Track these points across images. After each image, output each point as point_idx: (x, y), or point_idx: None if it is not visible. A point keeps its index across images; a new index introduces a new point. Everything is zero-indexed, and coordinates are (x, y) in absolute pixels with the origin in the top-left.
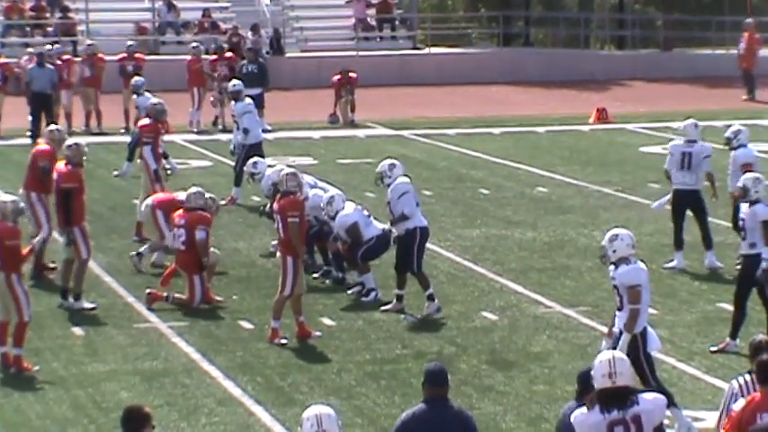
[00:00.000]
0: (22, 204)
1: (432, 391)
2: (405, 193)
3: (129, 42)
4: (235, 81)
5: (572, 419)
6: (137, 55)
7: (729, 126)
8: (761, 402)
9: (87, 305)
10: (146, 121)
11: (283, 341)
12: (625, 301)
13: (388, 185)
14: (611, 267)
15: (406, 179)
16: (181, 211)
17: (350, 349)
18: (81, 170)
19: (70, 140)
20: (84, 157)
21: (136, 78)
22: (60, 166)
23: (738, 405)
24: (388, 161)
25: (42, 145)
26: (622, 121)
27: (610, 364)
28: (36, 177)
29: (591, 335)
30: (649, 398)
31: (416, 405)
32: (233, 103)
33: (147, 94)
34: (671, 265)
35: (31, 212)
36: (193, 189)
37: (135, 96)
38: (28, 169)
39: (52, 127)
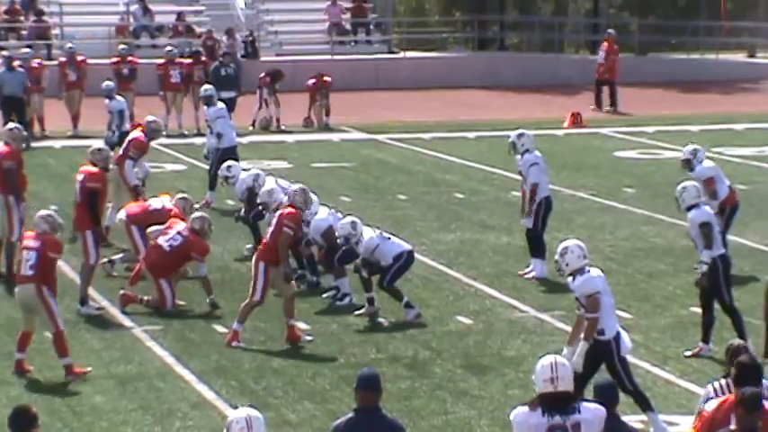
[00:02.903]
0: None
1: (363, 397)
2: (376, 247)
3: (122, 45)
4: (207, 86)
5: (512, 417)
6: (130, 58)
7: (704, 130)
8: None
9: (93, 311)
10: (138, 134)
11: (242, 345)
12: (586, 310)
13: (356, 243)
14: (569, 279)
15: (370, 231)
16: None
17: (324, 353)
18: (106, 175)
19: (95, 145)
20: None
21: (106, 83)
22: (86, 167)
23: (711, 405)
24: (348, 221)
25: (2, 146)
26: (597, 126)
27: (552, 368)
28: (4, 180)
29: (565, 339)
30: (591, 407)
31: (347, 414)
32: (205, 107)
33: (118, 97)
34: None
35: (6, 215)
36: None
37: (107, 101)
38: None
39: (11, 125)
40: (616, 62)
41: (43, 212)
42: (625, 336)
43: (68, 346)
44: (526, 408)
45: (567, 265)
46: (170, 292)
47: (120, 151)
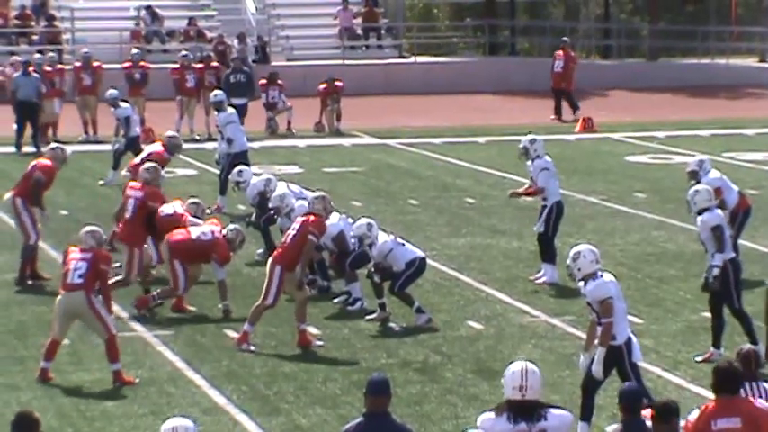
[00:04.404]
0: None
1: (372, 402)
2: (389, 251)
3: (134, 50)
4: (217, 91)
5: (478, 422)
6: (141, 63)
7: (714, 135)
8: (715, 410)
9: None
10: (159, 149)
11: (251, 348)
12: (599, 316)
13: (370, 246)
14: (581, 284)
15: (385, 236)
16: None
17: (335, 358)
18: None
19: (149, 164)
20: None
21: (110, 91)
22: (139, 184)
23: (693, 415)
24: (364, 222)
25: (45, 160)
26: (608, 131)
27: (522, 376)
28: (28, 187)
29: (576, 344)
30: (557, 414)
31: (357, 419)
32: (215, 113)
33: (122, 104)
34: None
35: (16, 217)
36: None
37: (112, 109)
38: (23, 177)
39: (54, 145)
40: (574, 71)
41: (88, 228)
42: (636, 344)
43: (119, 351)
44: (492, 414)
45: (579, 269)
46: (183, 275)
47: (138, 160)
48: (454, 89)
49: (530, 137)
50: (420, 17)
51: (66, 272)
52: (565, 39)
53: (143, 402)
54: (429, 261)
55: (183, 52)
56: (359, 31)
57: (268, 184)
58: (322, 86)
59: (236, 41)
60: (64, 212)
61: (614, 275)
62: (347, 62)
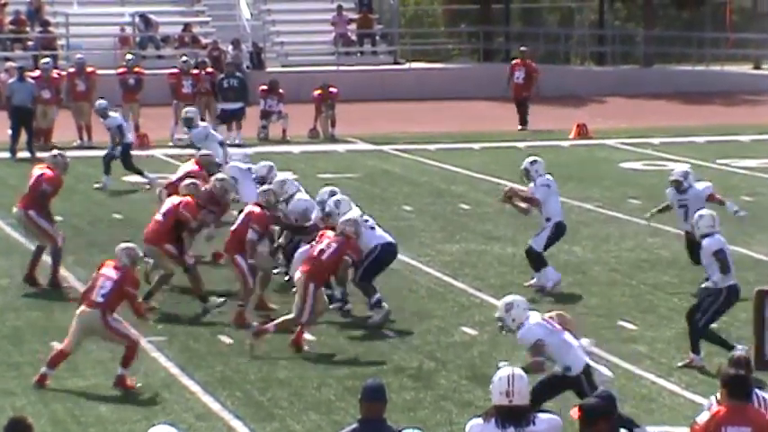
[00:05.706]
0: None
1: (368, 408)
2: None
3: (129, 56)
4: (187, 108)
5: (467, 429)
6: (136, 69)
7: (711, 141)
8: (726, 416)
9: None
10: (193, 167)
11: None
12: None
13: (329, 215)
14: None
15: (357, 211)
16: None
17: (330, 364)
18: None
19: (219, 175)
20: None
21: (99, 101)
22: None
23: (702, 418)
24: (327, 189)
25: (49, 170)
26: (602, 137)
27: (508, 382)
28: (36, 198)
29: None
30: (545, 418)
31: (351, 425)
32: (186, 129)
33: (112, 113)
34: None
35: (33, 227)
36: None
37: (102, 120)
38: (30, 189)
39: (54, 152)
40: (535, 80)
41: (124, 245)
42: (603, 369)
43: (134, 360)
44: (480, 420)
45: (513, 320)
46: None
47: (174, 179)
48: (449, 95)
49: (530, 159)
50: (414, 23)
51: (93, 286)
52: (523, 48)
53: (137, 408)
54: (423, 267)
55: (184, 58)
56: (353, 38)
57: (270, 171)
58: (317, 92)
59: (230, 47)
60: (59, 218)
61: (607, 282)
62: (342, 68)
